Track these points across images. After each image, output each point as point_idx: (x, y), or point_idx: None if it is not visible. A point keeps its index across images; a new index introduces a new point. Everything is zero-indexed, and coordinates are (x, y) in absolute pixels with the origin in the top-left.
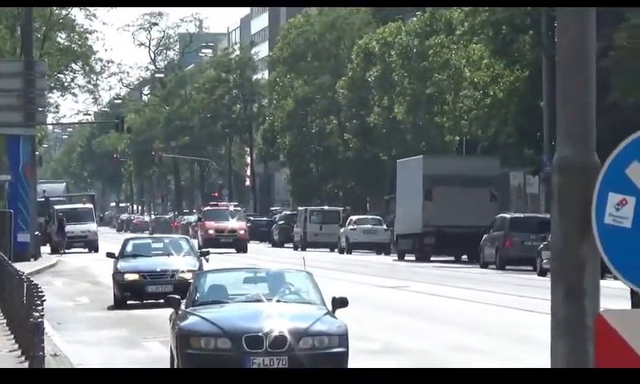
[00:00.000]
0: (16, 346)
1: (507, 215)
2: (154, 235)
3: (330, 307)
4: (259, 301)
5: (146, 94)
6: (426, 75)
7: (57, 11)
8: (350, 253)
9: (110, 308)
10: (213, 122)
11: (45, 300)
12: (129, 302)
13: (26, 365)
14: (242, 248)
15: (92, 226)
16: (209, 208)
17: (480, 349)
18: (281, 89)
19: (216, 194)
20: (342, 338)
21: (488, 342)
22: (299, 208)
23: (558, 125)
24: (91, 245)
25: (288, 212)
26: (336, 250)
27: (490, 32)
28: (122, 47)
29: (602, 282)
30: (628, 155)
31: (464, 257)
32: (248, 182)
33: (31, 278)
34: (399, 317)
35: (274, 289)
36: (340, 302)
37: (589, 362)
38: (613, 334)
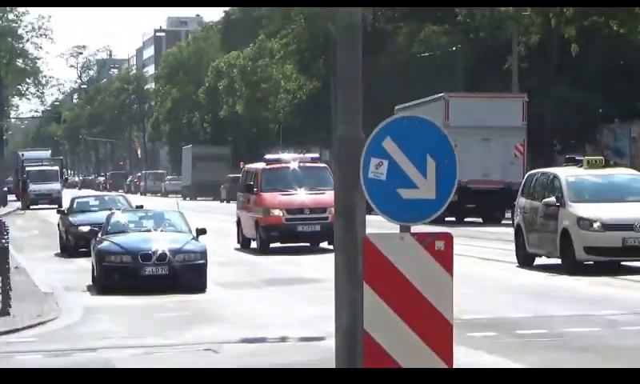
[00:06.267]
0: None
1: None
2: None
3: (195, 234)
4: (149, 231)
5: (75, 99)
6: (257, 85)
7: (16, 45)
8: None
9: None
10: (118, 116)
11: (9, 231)
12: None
13: None
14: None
15: (56, 186)
16: (266, 167)
17: None
18: (162, 94)
19: (121, 163)
20: (203, 254)
21: None
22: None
23: (338, 113)
24: (56, 202)
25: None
26: None
27: (297, 56)
28: (59, 68)
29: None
30: (383, 133)
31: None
32: (139, 155)
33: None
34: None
35: (159, 223)
36: (201, 231)
37: (358, 269)
38: (375, 250)
